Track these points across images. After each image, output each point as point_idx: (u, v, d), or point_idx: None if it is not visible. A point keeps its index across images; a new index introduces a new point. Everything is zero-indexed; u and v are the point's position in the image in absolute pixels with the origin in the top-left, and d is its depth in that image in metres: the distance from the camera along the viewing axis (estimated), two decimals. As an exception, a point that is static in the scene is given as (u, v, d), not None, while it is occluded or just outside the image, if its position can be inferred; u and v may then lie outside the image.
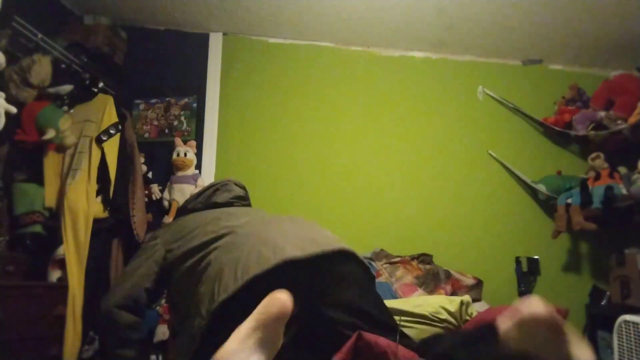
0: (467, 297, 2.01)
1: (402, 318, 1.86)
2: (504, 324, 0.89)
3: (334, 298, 1.24)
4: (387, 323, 1.25)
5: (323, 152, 3.24)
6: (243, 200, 1.78)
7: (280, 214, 1.66)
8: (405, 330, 1.49)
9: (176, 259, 1.43)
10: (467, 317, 1.93)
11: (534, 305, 0.85)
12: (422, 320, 1.87)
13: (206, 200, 1.71)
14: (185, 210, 1.72)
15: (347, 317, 1.20)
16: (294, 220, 1.51)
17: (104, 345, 1.58)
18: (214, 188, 1.76)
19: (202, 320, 1.20)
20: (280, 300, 0.90)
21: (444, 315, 1.88)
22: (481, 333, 1.00)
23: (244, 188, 1.86)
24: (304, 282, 1.23)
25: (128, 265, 1.57)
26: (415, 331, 1.77)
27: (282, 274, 1.21)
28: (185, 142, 3.22)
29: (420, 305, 1.97)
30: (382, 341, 0.98)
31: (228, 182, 1.80)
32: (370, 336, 0.98)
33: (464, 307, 1.93)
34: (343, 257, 1.35)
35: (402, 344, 1.05)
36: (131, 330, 1.44)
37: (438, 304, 1.94)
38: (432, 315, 1.88)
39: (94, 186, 2.74)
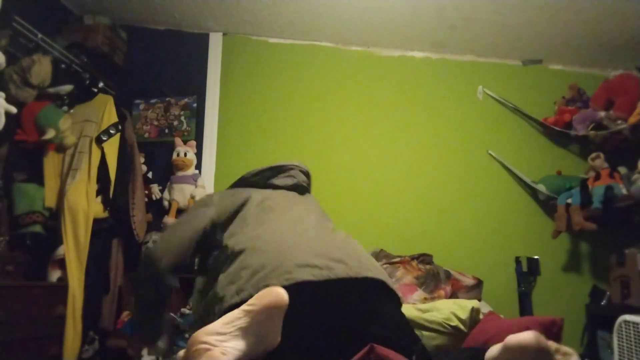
0: (476, 303, 1.99)
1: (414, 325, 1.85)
2: (492, 352, 0.89)
3: (371, 313, 1.20)
4: (410, 339, 1.22)
5: (323, 152, 3.23)
6: (302, 190, 1.73)
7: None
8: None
9: (220, 230, 1.48)
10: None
11: (522, 335, 0.86)
12: (434, 327, 1.87)
13: (265, 180, 1.68)
14: (243, 181, 1.72)
15: (382, 330, 1.15)
16: (331, 230, 1.49)
17: (138, 277, 1.63)
18: (278, 170, 1.72)
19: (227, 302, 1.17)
20: (274, 292, 0.91)
21: (455, 322, 1.87)
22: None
23: (308, 176, 1.81)
24: (342, 299, 1.20)
25: (177, 225, 1.62)
26: (425, 339, 1.77)
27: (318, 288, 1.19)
28: (185, 142, 3.22)
29: (429, 310, 1.96)
30: (395, 357, 0.96)
31: (295, 167, 1.75)
32: (383, 350, 0.95)
33: (474, 314, 1.92)
34: (377, 285, 1.30)
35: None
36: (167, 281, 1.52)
37: (449, 310, 1.93)
38: (444, 322, 1.87)
39: (94, 186, 2.74)
